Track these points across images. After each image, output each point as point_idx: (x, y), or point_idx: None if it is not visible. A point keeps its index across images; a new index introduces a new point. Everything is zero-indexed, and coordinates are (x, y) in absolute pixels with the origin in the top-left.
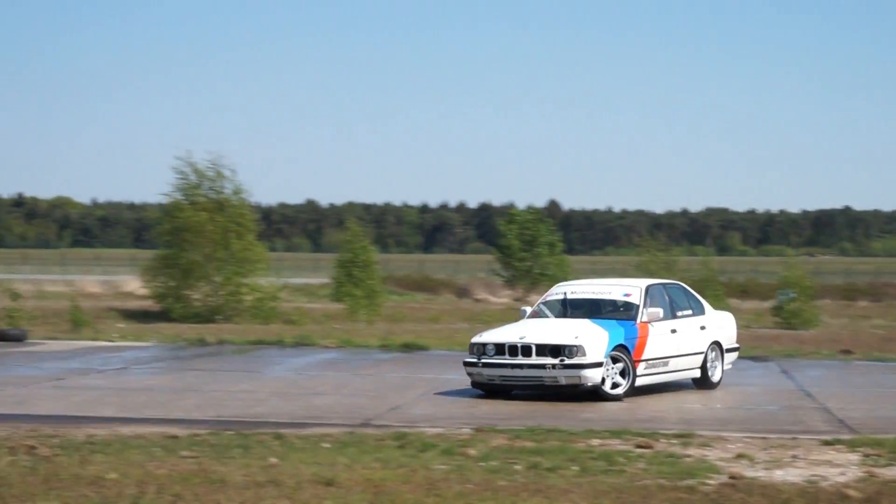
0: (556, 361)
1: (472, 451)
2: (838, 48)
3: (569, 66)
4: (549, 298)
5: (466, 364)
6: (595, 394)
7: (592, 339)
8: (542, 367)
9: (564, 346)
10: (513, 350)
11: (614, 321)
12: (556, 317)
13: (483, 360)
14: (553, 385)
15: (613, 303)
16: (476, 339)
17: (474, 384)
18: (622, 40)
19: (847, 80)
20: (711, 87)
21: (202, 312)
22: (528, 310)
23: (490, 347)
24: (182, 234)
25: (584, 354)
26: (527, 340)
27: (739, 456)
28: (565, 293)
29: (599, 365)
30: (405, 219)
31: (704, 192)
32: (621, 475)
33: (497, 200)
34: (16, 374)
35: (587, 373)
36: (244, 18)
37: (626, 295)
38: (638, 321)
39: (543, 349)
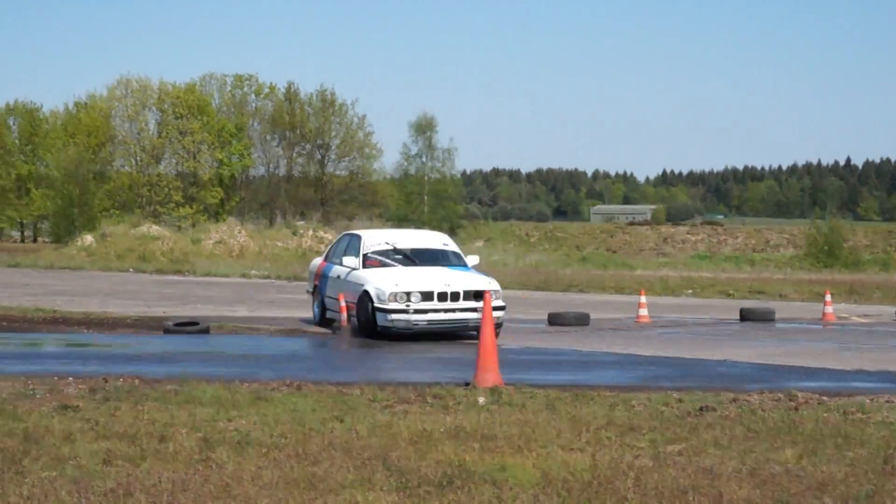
0: (481, 304)
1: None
2: None
3: None
4: (372, 249)
5: (392, 311)
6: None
7: (494, 284)
8: (473, 309)
9: (485, 291)
10: (442, 296)
11: (466, 268)
12: (407, 265)
13: (415, 307)
14: (474, 326)
15: (443, 252)
16: (396, 288)
17: (391, 330)
18: None
19: None
20: None
21: None
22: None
23: (415, 294)
24: None
25: (500, 297)
26: (453, 287)
27: None
28: (388, 244)
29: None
30: None
31: None
32: None
33: None
34: None
35: (502, 314)
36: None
37: (445, 245)
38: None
39: (468, 294)
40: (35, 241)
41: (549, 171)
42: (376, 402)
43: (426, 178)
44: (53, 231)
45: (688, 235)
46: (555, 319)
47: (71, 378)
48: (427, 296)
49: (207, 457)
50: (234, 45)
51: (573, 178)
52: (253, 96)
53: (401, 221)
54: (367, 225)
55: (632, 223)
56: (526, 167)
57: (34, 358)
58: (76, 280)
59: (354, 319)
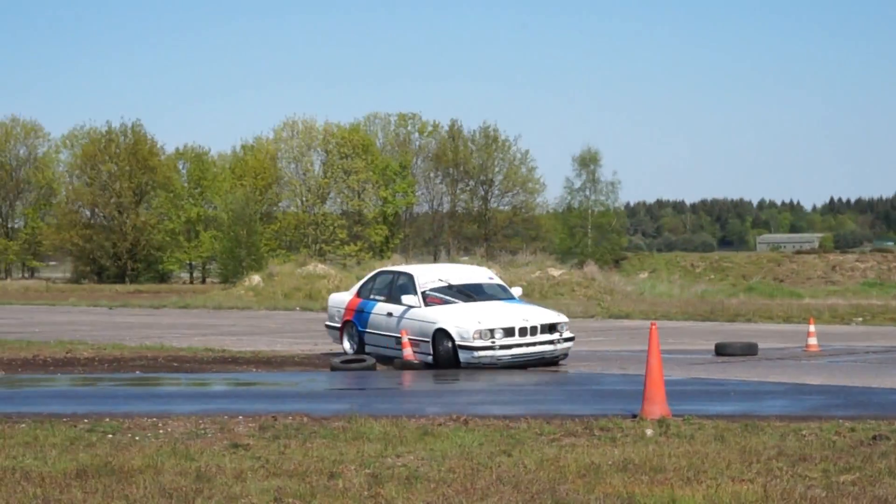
0: (556, 337)
1: None
2: None
3: None
4: (429, 286)
5: (478, 348)
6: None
7: (563, 316)
8: (550, 342)
9: (557, 324)
10: (522, 331)
11: (515, 300)
12: (467, 301)
13: (500, 343)
14: (551, 357)
15: (492, 286)
16: (479, 326)
17: (473, 366)
18: None
19: None
20: None
21: None
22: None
23: (498, 331)
24: None
25: (568, 329)
26: (531, 322)
27: None
28: (442, 280)
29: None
30: None
31: None
32: None
33: None
34: None
35: (570, 345)
36: None
37: (491, 278)
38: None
39: (544, 328)
40: (203, 282)
41: (714, 201)
42: (543, 435)
43: (590, 211)
44: (221, 272)
45: (857, 263)
46: (722, 349)
47: (241, 416)
48: (509, 331)
49: (376, 493)
50: (397, 85)
51: (738, 207)
52: (416, 134)
53: (564, 255)
54: (529, 259)
55: (798, 252)
56: (690, 198)
57: (205, 397)
58: (244, 319)
59: (420, 355)
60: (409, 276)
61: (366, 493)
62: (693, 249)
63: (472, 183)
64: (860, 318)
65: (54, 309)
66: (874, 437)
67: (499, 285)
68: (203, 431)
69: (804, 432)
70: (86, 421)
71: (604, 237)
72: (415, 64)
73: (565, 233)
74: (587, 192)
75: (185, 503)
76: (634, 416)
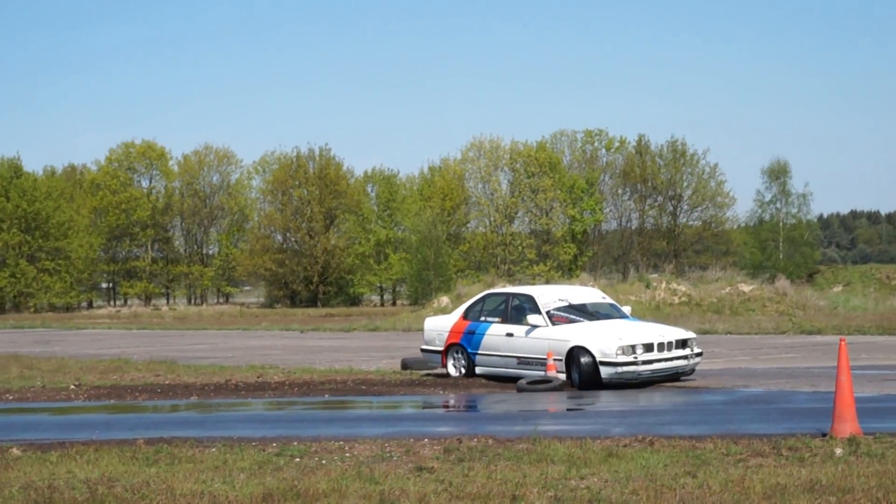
0: (688, 352)
1: None
2: None
3: None
4: (552, 306)
5: (621, 364)
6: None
7: (692, 333)
8: (684, 357)
9: (688, 339)
10: (660, 347)
11: (629, 317)
12: (591, 320)
13: (642, 359)
14: (682, 372)
15: (606, 305)
16: (621, 342)
17: (615, 381)
18: None
19: None
20: None
21: None
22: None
23: (639, 347)
24: None
25: (697, 344)
26: (667, 338)
27: None
28: (562, 300)
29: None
30: None
31: None
32: None
33: None
34: None
35: (699, 359)
36: None
37: (604, 297)
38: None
39: (678, 343)
40: (394, 304)
41: None
42: (729, 455)
43: (781, 224)
44: (411, 294)
45: None
46: None
47: (426, 439)
48: (649, 347)
49: None
50: (582, 101)
51: None
52: (603, 151)
53: (755, 269)
54: (719, 275)
55: None
56: (886, 208)
57: (392, 420)
58: None
59: (561, 375)
60: (530, 297)
61: None
62: (889, 261)
63: (660, 198)
64: None
65: (247, 334)
66: None
67: (611, 304)
68: (388, 454)
69: None
70: (274, 445)
71: (796, 251)
72: (600, 79)
73: (756, 247)
74: (778, 205)
75: None
76: (824, 435)
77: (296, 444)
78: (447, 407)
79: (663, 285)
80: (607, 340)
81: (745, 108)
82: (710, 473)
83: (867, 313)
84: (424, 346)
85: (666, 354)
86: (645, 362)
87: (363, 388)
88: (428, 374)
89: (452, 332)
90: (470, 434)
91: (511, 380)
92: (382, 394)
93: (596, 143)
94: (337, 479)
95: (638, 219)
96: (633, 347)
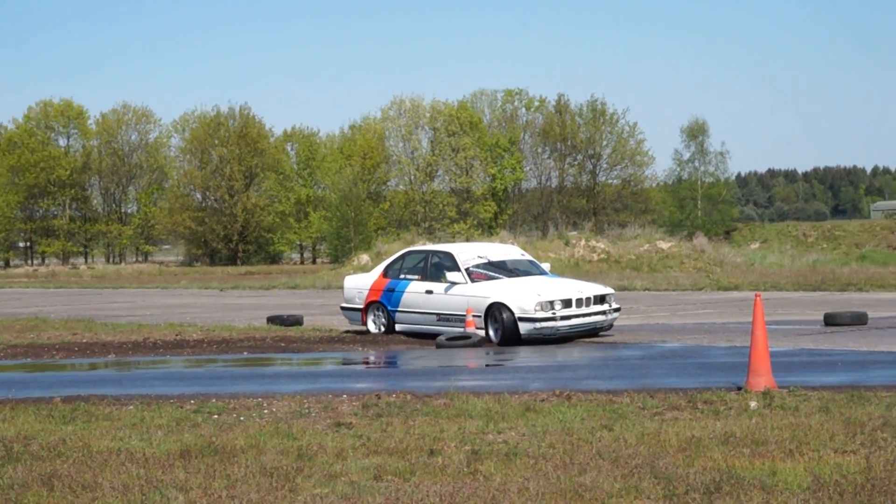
0: (606, 308)
1: None
2: None
3: None
4: (472, 263)
5: (539, 320)
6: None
7: (610, 289)
8: (602, 313)
9: (606, 295)
10: (578, 303)
11: (548, 274)
12: (510, 277)
13: (560, 314)
14: (600, 328)
15: (525, 262)
16: (539, 298)
17: (533, 339)
18: None
19: None
20: None
21: None
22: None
23: (557, 303)
24: None
25: (615, 300)
26: (585, 294)
27: None
28: (482, 257)
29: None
30: None
31: None
32: None
33: None
34: None
35: (617, 315)
36: None
37: (523, 254)
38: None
39: (597, 299)
40: (314, 262)
41: (827, 169)
42: (646, 409)
43: (699, 182)
44: (331, 252)
45: None
46: (831, 319)
47: (345, 395)
48: (567, 303)
49: (475, 469)
50: (502, 61)
51: (852, 175)
52: (523, 110)
53: (674, 227)
54: (637, 233)
55: None
56: (802, 166)
57: (311, 377)
58: None
59: (480, 331)
60: (449, 254)
61: (465, 469)
62: (805, 219)
63: (579, 157)
64: None
65: (166, 292)
66: None
67: (530, 261)
68: (307, 411)
69: None
70: (192, 402)
71: (714, 208)
72: (520, 39)
73: (674, 205)
74: (696, 164)
75: (286, 482)
76: (739, 389)
77: (214, 401)
78: (366, 363)
79: (582, 243)
80: (526, 297)
81: (663, 68)
82: (626, 427)
83: (783, 270)
84: (344, 304)
85: (584, 310)
86: (563, 318)
87: (282, 345)
88: (348, 332)
89: (372, 289)
90: (388, 390)
91: (431, 337)
92: (302, 350)
93: (516, 103)
94: (255, 435)
95: (558, 177)
96: (552, 303)
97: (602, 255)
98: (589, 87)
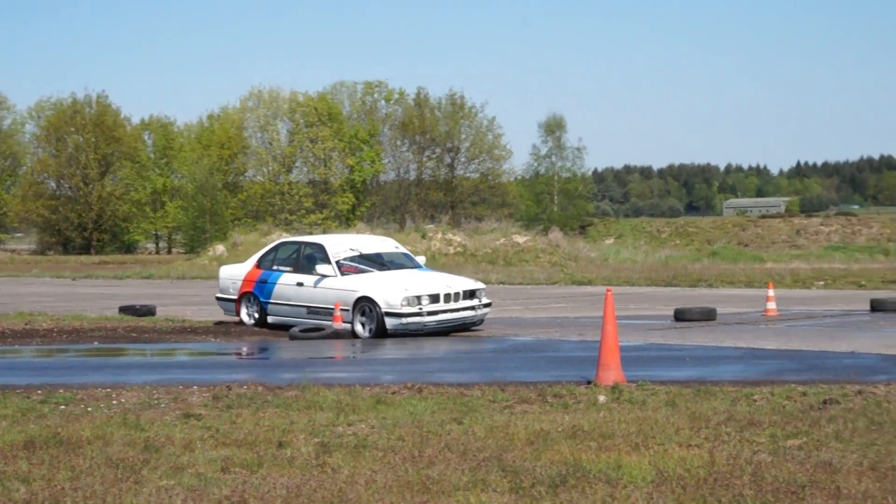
0: (476, 303)
1: None
2: None
3: None
4: (342, 256)
5: (406, 315)
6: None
7: (481, 283)
8: (471, 308)
9: (477, 290)
10: (446, 297)
11: (422, 268)
12: (381, 270)
13: (427, 310)
14: (470, 323)
15: (399, 255)
16: (406, 293)
17: (400, 334)
18: None
19: None
20: None
21: None
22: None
23: (425, 298)
24: None
25: (485, 295)
26: (454, 289)
27: None
28: (354, 250)
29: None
30: None
31: None
32: None
33: None
34: None
35: (488, 310)
36: None
37: (397, 247)
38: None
39: (466, 294)
40: (169, 252)
41: (681, 166)
42: (496, 402)
43: (556, 177)
44: (187, 242)
45: (821, 227)
46: (681, 315)
47: (195, 387)
48: (434, 298)
49: (324, 462)
50: (363, 53)
51: (705, 172)
52: (383, 102)
53: (530, 221)
54: (495, 226)
55: (764, 216)
56: (657, 163)
57: (161, 368)
58: (207, 289)
59: (340, 324)
60: (321, 246)
61: (313, 461)
62: (660, 215)
63: (438, 150)
64: (821, 283)
65: (17, 280)
66: (825, 402)
67: (405, 254)
68: (156, 402)
69: (755, 397)
70: (39, 392)
71: (570, 203)
72: (381, 32)
73: (531, 199)
74: (553, 159)
75: (131, 473)
76: (589, 383)
77: (62, 391)
78: (219, 354)
79: (439, 236)
80: (393, 291)
81: (522, 64)
82: (475, 420)
83: (636, 265)
84: (219, 295)
85: (452, 305)
86: (430, 313)
87: (134, 335)
88: (221, 322)
89: (246, 280)
90: (239, 381)
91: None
92: (153, 341)
93: (376, 95)
94: (101, 425)
95: (416, 170)
96: (419, 298)
97: (458, 249)
98: (448, 80)
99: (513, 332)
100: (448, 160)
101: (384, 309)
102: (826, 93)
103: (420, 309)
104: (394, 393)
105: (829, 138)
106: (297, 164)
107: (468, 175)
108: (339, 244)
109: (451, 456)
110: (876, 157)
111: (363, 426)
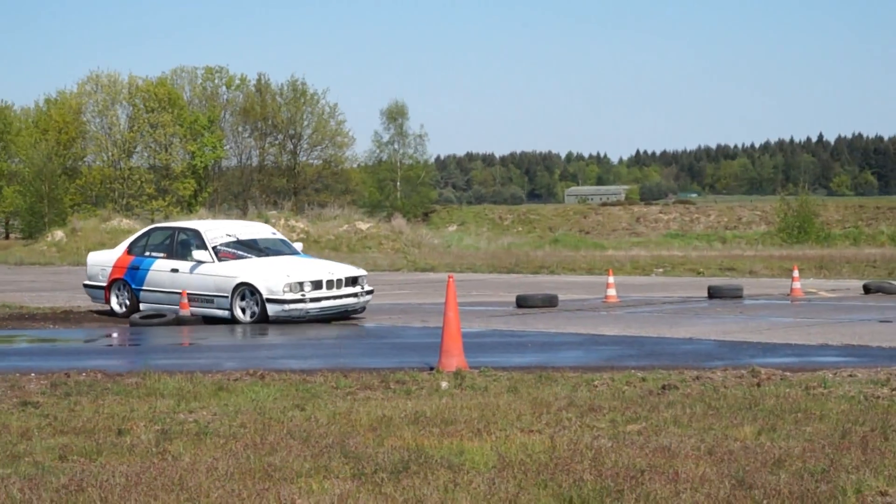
0: (358, 290)
1: None
2: None
3: None
4: (219, 242)
5: (288, 301)
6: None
7: (363, 270)
8: (354, 295)
9: (359, 277)
10: (329, 284)
11: (301, 254)
12: (259, 256)
13: (310, 296)
14: (352, 310)
15: (276, 241)
16: (289, 279)
17: (282, 321)
18: None
19: None
20: None
21: None
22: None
23: (307, 284)
24: None
25: (367, 282)
26: (337, 275)
27: None
28: (230, 235)
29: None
30: None
31: None
32: None
33: None
34: None
35: (370, 297)
36: None
37: (274, 233)
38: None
39: (349, 281)
40: (7, 237)
41: (524, 154)
42: (339, 389)
43: (399, 164)
44: (24, 227)
45: (660, 215)
46: (523, 302)
47: (33, 374)
48: (317, 284)
49: (164, 449)
50: (204, 38)
51: (547, 160)
52: (224, 88)
53: (373, 208)
54: (337, 213)
55: (605, 204)
56: (500, 151)
57: None
58: (45, 276)
59: (218, 311)
60: (196, 232)
61: (153, 449)
62: (502, 202)
63: (280, 137)
64: (660, 270)
65: None
66: (663, 387)
67: (281, 240)
68: None
69: (596, 383)
70: None
71: (413, 191)
72: (222, 16)
73: (374, 186)
74: (396, 146)
75: None
76: (431, 369)
77: None
78: (59, 342)
79: (282, 222)
80: (275, 278)
81: (365, 51)
82: (318, 406)
83: (479, 252)
84: (87, 282)
85: (335, 292)
86: (313, 300)
87: None
88: (92, 311)
89: (116, 267)
90: (79, 368)
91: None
92: None
93: (217, 81)
94: None
95: (258, 156)
96: (301, 285)
97: (301, 235)
98: (290, 66)
99: (355, 319)
100: (290, 147)
101: (266, 295)
102: (664, 82)
103: (303, 295)
104: (236, 380)
105: (668, 127)
106: (137, 150)
107: (311, 162)
108: (216, 230)
109: (294, 443)
110: (713, 146)
111: (204, 413)
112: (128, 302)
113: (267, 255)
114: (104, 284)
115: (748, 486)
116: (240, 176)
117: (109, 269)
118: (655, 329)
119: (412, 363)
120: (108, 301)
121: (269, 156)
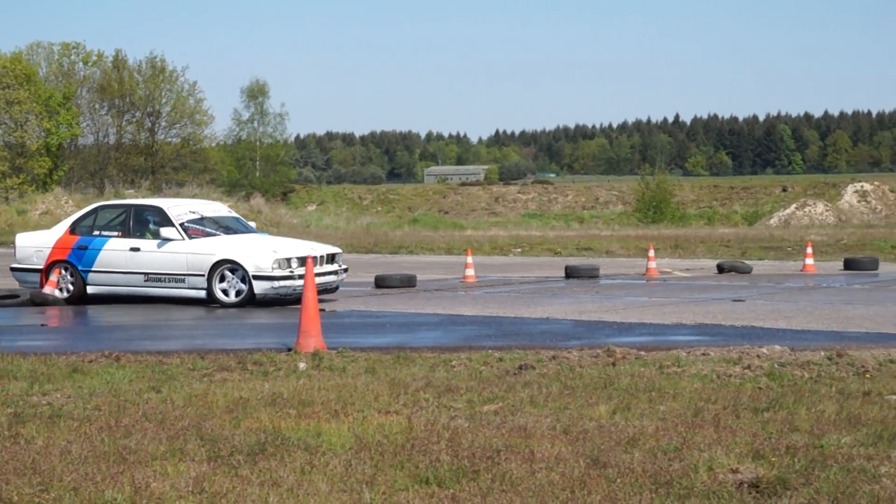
0: (337, 267)
1: None
2: None
3: None
4: (185, 219)
5: (277, 278)
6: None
7: (338, 248)
8: (334, 273)
9: (336, 254)
10: (314, 261)
11: (258, 232)
12: (227, 234)
13: (298, 273)
14: (333, 287)
15: (234, 219)
16: (275, 255)
17: (269, 298)
18: None
19: None
20: None
21: None
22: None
23: (294, 260)
24: None
25: (342, 260)
26: (318, 252)
27: None
28: (194, 212)
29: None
30: None
31: None
32: None
33: None
34: None
35: (346, 274)
36: None
37: (230, 212)
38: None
39: (329, 258)
40: None
41: (383, 133)
42: (196, 370)
43: (258, 143)
44: None
45: (519, 195)
46: (381, 282)
47: None
48: (302, 261)
49: (17, 433)
50: (61, 13)
51: (407, 140)
52: (81, 64)
53: (232, 187)
54: (196, 192)
55: (464, 184)
56: (360, 130)
57: None
58: None
59: (188, 290)
60: (159, 209)
61: (6, 432)
62: (362, 182)
63: (138, 114)
64: (518, 249)
65: None
66: (520, 367)
67: (236, 218)
68: None
69: (453, 363)
70: None
71: (272, 170)
72: None
73: (233, 165)
74: (255, 125)
75: None
76: (289, 350)
77: None
78: None
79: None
80: (261, 254)
81: (225, 28)
82: (174, 388)
83: (338, 232)
84: (17, 265)
85: (318, 269)
86: (301, 276)
87: None
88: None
89: (57, 248)
90: None
91: (135, 299)
92: None
93: (73, 57)
94: None
95: (116, 134)
96: (289, 261)
97: None
98: (149, 43)
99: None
100: (149, 124)
101: (252, 272)
102: (523, 62)
103: (291, 272)
104: (91, 361)
105: (527, 107)
106: None
107: (169, 140)
108: (179, 206)
109: (149, 425)
110: (572, 126)
111: (58, 396)
112: (71, 286)
113: (232, 232)
114: (40, 267)
115: (602, 465)
116: (97, 154)
117: (47, 251)
118: (513, 309)
119: (270, 344)
120: (42, 285)
121: (126, 134)
